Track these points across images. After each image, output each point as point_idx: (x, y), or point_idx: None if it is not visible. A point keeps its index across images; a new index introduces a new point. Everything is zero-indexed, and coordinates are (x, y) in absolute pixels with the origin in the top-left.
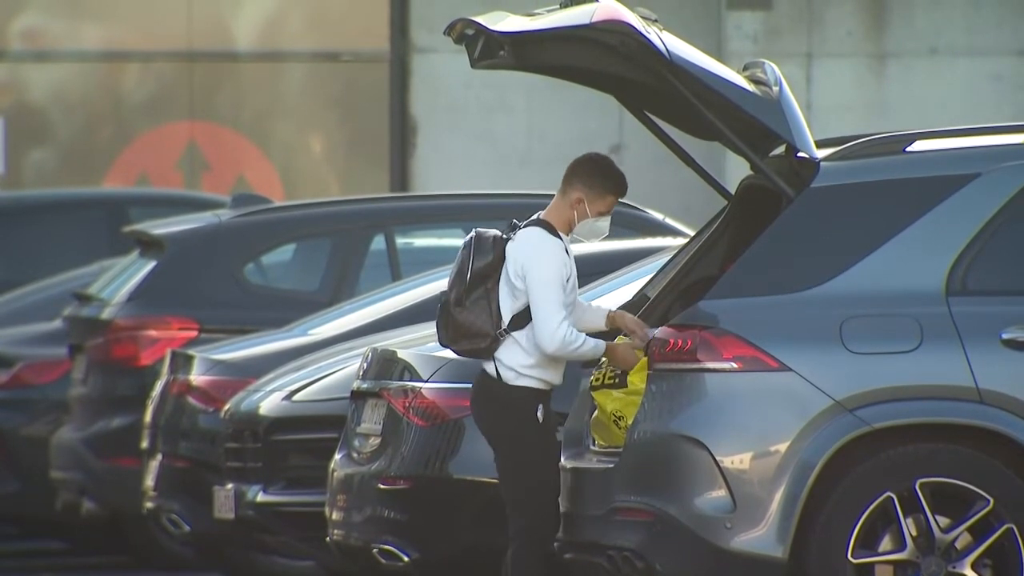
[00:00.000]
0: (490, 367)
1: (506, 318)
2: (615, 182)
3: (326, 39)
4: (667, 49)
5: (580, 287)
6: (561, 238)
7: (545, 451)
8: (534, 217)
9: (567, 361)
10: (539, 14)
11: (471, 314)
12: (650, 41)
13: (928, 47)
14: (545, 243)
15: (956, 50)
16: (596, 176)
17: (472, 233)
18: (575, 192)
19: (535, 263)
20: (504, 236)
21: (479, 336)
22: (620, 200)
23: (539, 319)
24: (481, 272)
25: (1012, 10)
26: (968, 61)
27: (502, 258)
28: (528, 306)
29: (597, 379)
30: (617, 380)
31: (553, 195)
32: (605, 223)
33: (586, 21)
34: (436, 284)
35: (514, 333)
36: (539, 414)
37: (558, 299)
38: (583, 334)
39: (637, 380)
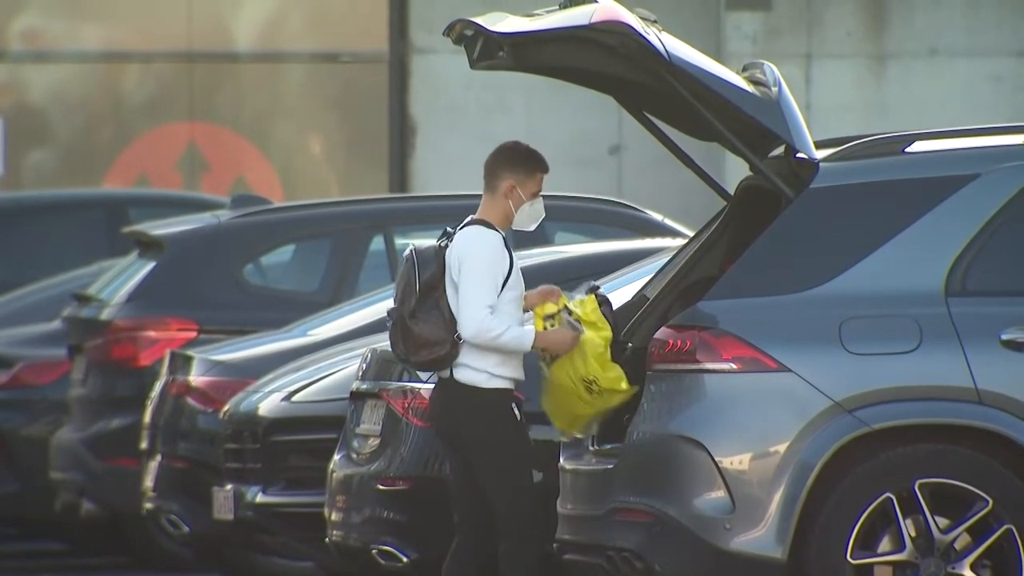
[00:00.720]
0: (457, 373)
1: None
2: (538, 160)
3: (325, 40)
4: (666, 50)
5: (580, 288)
6: (499, 232)
7: (524, 450)
8: (467, 219)
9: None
10: (538, 15)
11: (427, 325)
12: (649, 42)
13: (928, 48)
14: (480, 237)
15: (956, 51)
16: (518, 159)
17: (410, 247)
18: (505, 181)
19: (468, 256)
20: (442, 245)
21: (438, 344)
22: (613, 200)
23: (461, 304)
24: (428, 283)
25: (1012, 11)
26: (968, 62)
27: (444, 266)
28: None
29: (543, 359)
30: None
31: (550, 195)
32: (540, 205)
33: (585, 22)
34: None
35: None
36: (516, 412)
37: (484, 288)
38: (506, 324)
39: (589, 330)
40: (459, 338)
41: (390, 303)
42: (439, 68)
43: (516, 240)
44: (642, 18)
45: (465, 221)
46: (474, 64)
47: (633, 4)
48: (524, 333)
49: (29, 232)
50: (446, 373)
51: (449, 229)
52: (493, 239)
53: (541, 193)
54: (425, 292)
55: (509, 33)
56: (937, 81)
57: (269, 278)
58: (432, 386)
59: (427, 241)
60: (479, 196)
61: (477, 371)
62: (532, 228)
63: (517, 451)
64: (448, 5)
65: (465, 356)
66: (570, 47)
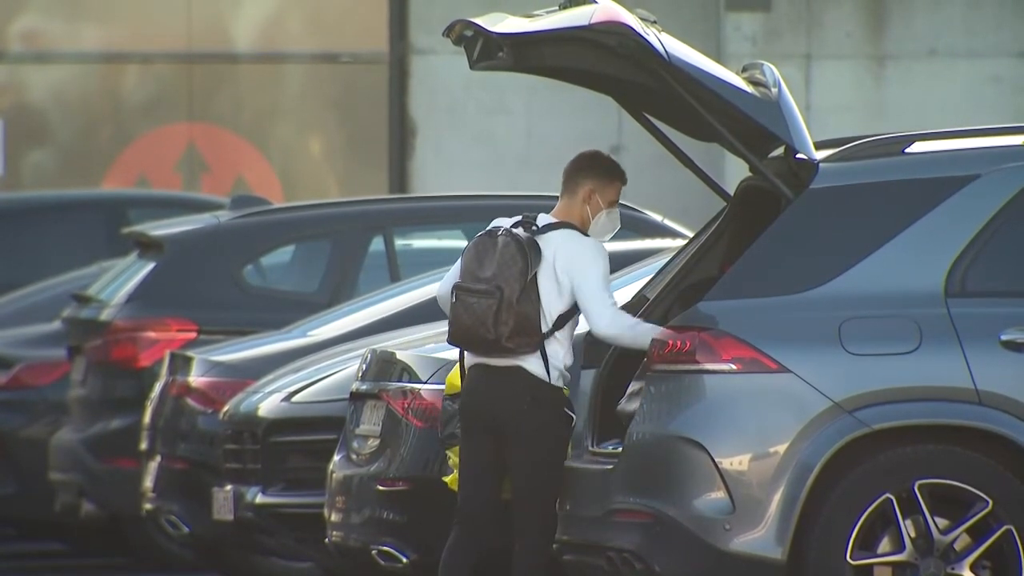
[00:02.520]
0: (532, 365)
1: (552, 317)
2: (618, 169)
3: (325, 40)
4: (666, 50)
5: None
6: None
7: (565, 451)
8: (552, 220)
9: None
10: (538, 15)
11: (531, 311)
12: (649, 42)
13: (927, 48)
14: (594, 244)
15: (955, 52)
16: (599, 167)
17: (502, 231)
18: (585, 187)
19: (590, 262)
20: (531, 234)
21: (535, 333)
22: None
23: (591, 303)
24: (534, 272)
25: (1011, 12)
26: (967, 63)
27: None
28: (570, 307)
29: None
30: None
31: (552, 196)
32: (616, 215)
33: (585, 22)
34: (435, 286)
35: (557, 333)
36: (572, 415)
37: (608, 290)
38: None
39: None
40: (549, 333)
41: (389, 304)
42: (439, 69)
43: None
44: (642, 19)
45: (550, 221)
46: (474, 65)
47: (633, 5)
48: (654, 327)
49: (29, 233)
50: (509, 361)
51: (529, 219)
52: (603, 248)
53: (618, 203)
54: (533, 280)
55: (509, 34)
56: (937, 82)
57: (269, 279)
58: (431, 387)
59: (433, 239)
60: (479, 197)
61: (554, 367)
62: (607, 239)
63: (562, 451)
64: (448, 6)
65: (548, 349)
66: (570, 48)
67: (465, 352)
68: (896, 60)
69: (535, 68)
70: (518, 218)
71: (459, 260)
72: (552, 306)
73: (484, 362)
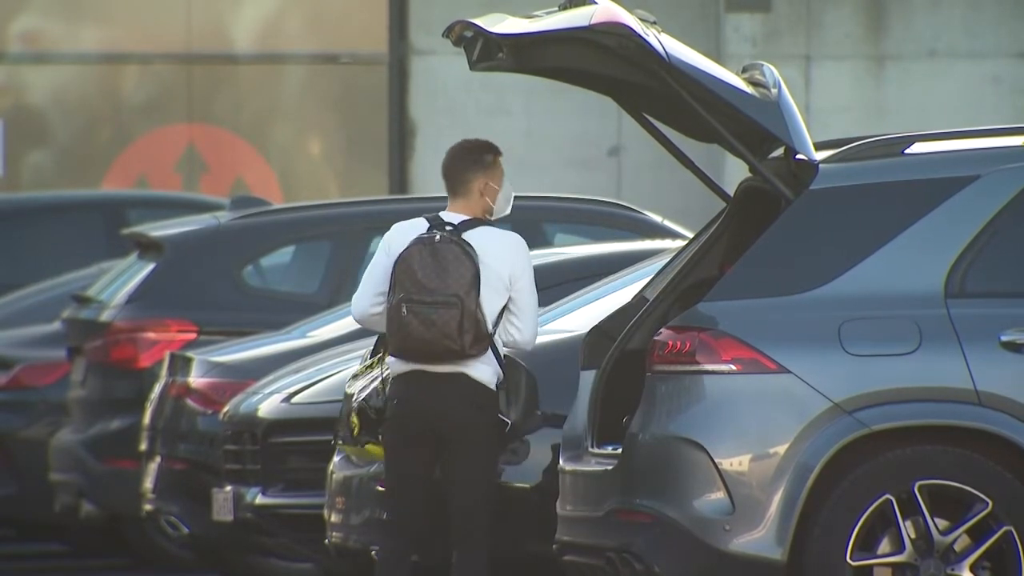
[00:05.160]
0: (477, 370)
1: (492, 318)
2: (493, 148)
3: (325, 41)
4: (665, 51)
5: (580, 289)
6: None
7: (498, 454)
8: (464, 217)
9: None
10: (538, 16)
11: (480, 315)
12: (648, 43)
13: (927, 49)
14: (521, 245)
15: (955, 52)
16: (479, 157)
17: (439, 236)
18: (476, 182)
19: (525, 267)
20: (451, 237)
21: (487, 336)
22: (612, 201)
23: (528, 315)
24: (476, 275)
25: (1011, 12)
26: (967, 63)
27: None
28: (503, 305)
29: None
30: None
31: (549, 196)
32: (508, 185)
33: (585, 23)
34: None
35: (496, 332)
36: (506, 419)
37: (536, 299)
38: None
39: None
40: (492, 335)
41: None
42: (439, 70)
43: None
44: (641, 19)
45: (463, 219)
46: (473, 66)
47: (633, 5)
48: None
49: (28, 233)
50: (454, 368)
51: (443, 219)
52: (526, 246)
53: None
54: (477, 284)
55: (509, 34)
56: (936, 82)
57: (269, 279)
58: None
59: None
60: None
61: (495, 373)
62: (508, 211)
63: (498, 457)
64: (448, 6)
65: (486, 356)
66: (570, 48)
67: (394, 358)
68: (896, 60)
69: (535, 69)
70: (424, 221)
71: (371, 274)
72: (491, 307)
73: (424, 369)
